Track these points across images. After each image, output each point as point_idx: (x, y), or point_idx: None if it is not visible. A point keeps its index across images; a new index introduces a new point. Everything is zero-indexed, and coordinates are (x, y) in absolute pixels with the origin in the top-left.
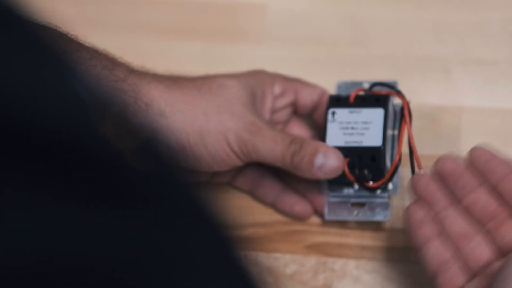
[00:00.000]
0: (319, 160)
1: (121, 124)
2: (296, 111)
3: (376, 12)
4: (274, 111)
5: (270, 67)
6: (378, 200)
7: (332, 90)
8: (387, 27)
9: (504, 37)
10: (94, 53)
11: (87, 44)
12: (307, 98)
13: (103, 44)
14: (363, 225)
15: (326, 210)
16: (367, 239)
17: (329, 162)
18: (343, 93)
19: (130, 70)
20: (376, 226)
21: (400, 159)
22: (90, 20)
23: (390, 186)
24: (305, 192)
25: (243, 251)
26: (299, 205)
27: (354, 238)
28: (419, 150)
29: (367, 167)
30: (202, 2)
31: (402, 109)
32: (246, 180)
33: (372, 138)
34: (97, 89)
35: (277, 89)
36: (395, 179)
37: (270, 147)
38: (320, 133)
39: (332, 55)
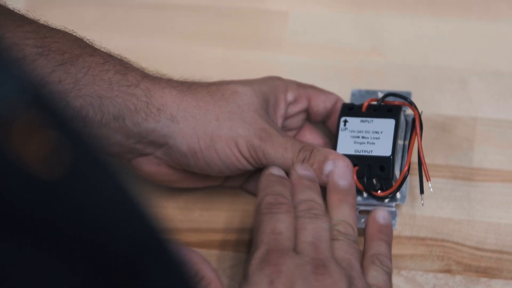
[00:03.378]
0: (328, 167)
1: (31, 133)
2: (309, 118)
3: (395, 21)
4: (286, 117)
5: (289, 74)
6: (386, 209)
7: (348, 97)
8: (405, 36)
9: None
10: (108, 57)
11: (101, 49)
12: (320, 105)
13: (124, 47)
14: None
15: None
16: None
17: (338, 170)
18: (357, 101)
19: (144, 75)
20: None
21: (408, 170)
22: (112, 23)
23: (398, 195)
24: None
25: (173, 246)
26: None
27: (361, 245)
28: (432, 159)
29: (376, 176)
30: (224, 8)
31: (413, 120)
32: (257, 184)
33: (382, 148)
34: (15, 93)
35: (290, 95)
36: (403, 188)
37: (280, 153)
38: (333, 140)
39: (350, 63)
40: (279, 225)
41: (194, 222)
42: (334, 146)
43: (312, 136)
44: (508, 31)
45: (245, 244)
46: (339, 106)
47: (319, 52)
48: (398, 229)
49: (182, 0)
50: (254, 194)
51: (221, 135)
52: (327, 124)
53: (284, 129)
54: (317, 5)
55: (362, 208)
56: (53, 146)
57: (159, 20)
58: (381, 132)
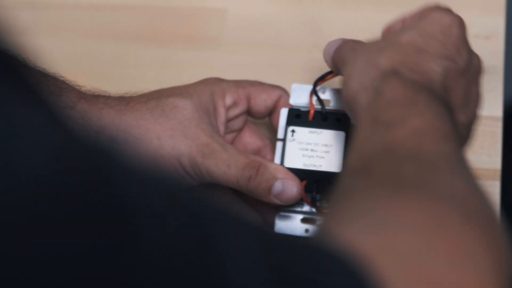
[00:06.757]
0: (277, 187)
1: None
2: (251, 116)
3: (336, 15)
4: (228, 120)
5: (229, 73)
6: None
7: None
8: (347, 31)
9: None
10: (42, 78)
11: (37, 68)
12: (261, 105)
13: (61, 50)
14: None
15: (275, 224)
16: None
17: (287, 191)
18: (299, 97)
19: (80, 96)
20: None
21: None
22: (48, 25)
23: None
24: (255, 204)
25: None
26: (249, 217)
27: None
28: None
29: (324, 191)
30: (161, 7)
31: None
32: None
33: (331, 163)
34: None
35: (228, 99)
36: None
37: (223, 170)
38: (274, 139)
39: (291, 60)
40: None
41: None
42: (282, 157)
43: (251, 139)
44: None
45: None
46: (283, 101)
47: (259, 50)
48: None
49: (118, 1)
50: None
51: (164, 155)
52: (270, 119)
53: (226, 131)
54: (256, 1)
55: (307, 216)
56: None
57: (95, 21)
58: (331, 146)
